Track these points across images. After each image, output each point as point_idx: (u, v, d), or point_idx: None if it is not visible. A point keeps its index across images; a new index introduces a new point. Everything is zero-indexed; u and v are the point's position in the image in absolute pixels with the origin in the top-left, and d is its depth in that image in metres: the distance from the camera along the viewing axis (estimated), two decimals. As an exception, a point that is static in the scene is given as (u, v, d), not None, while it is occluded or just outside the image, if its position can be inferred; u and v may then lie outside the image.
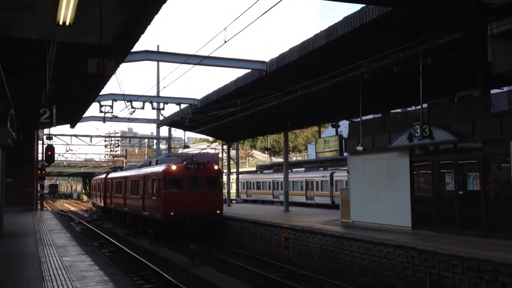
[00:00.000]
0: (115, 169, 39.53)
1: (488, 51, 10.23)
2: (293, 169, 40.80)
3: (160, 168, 23.58)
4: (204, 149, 36.46)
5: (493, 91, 15.07)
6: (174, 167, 22.48)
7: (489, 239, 12.90)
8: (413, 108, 18.63)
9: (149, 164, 27.73)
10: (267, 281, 14.28)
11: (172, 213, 21.63)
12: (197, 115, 24.89)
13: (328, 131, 42.31)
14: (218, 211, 22.77)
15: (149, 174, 24.76)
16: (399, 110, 20.80)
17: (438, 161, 15.40)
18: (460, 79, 15.09)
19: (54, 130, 38.73)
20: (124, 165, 50.55)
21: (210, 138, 47.62)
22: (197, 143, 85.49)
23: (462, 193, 14.19)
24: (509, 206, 12.66)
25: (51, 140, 36.42)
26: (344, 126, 25.70)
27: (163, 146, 57.16)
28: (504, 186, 13.19)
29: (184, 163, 22.99)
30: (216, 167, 24.54)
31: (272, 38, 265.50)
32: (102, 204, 37.78)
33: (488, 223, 13.32)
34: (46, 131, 37.55)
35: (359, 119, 17.76)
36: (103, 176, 38.69)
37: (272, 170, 47.71)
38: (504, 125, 12.85)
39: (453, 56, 13.12)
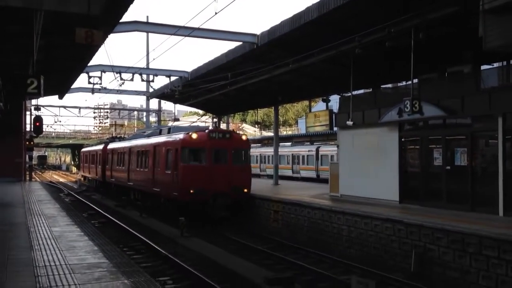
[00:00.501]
0: (113, 139, 38.21)
1: (479, 27, 10.22)
2: (280, 144, 40.84)
3: (177, 136, 20.16)
4: (194, 122, 36.09)
5: (483, 67, 15.10)
6: (194, 136, 19.17)
7: (475, 213, 13.12)
8: (404, 83, 18.62)
9: (159, 133, 24.39)
10: (255, 252, 14.49)
11: (192, 191, 18.41)
12: (187, 87, 24.67)
13: (319, 106, 42.37)
14: (245, 190, 19.64)
15: (162, 144, 21.41)
16: (389, 86, 20.80)
17: (427, 137, 15.52)
18: (451, 55, 15.06)
19: (42, 101, 38.40)
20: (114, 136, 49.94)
21: (201, 112, 47.47)
22: (187, 116, 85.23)
23: (450, 168, 14.35)
24: (495, 181, 12.83)
25: (39, 111, 36.38)
26: (334, 100, 25.72)
27: (153, 118, 56.91)
28: (491, 161, 13.35)
29: (206, 131, 19.83)
30: (244, 137, 21.25)
31: (264, 11, 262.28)
32: (98, 177, 35.72)
33: (474, 198, 13.52)
34: (34, 101, 37.26)
35: (350, 94, 17.76)
36: (100, 147, 36.91)
37: (260, 144, 47.82)
38: (493, 101, 12.92)
39: (444, 32, 13.06)
